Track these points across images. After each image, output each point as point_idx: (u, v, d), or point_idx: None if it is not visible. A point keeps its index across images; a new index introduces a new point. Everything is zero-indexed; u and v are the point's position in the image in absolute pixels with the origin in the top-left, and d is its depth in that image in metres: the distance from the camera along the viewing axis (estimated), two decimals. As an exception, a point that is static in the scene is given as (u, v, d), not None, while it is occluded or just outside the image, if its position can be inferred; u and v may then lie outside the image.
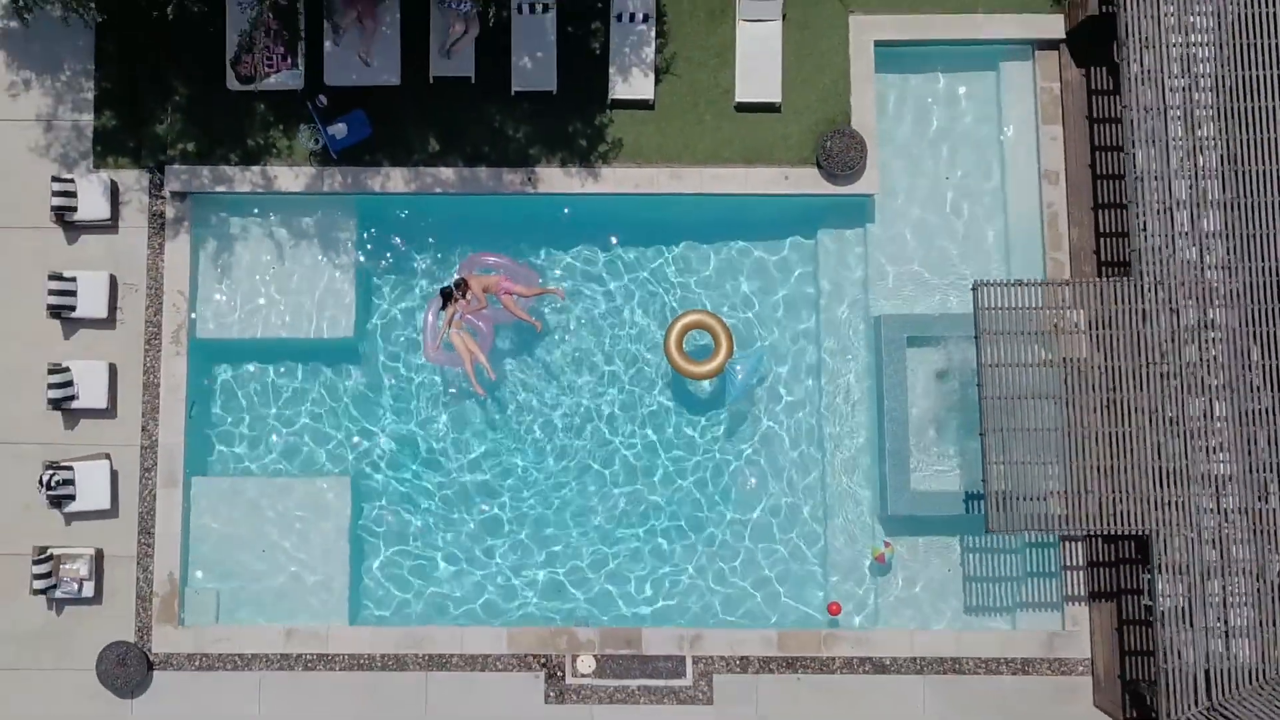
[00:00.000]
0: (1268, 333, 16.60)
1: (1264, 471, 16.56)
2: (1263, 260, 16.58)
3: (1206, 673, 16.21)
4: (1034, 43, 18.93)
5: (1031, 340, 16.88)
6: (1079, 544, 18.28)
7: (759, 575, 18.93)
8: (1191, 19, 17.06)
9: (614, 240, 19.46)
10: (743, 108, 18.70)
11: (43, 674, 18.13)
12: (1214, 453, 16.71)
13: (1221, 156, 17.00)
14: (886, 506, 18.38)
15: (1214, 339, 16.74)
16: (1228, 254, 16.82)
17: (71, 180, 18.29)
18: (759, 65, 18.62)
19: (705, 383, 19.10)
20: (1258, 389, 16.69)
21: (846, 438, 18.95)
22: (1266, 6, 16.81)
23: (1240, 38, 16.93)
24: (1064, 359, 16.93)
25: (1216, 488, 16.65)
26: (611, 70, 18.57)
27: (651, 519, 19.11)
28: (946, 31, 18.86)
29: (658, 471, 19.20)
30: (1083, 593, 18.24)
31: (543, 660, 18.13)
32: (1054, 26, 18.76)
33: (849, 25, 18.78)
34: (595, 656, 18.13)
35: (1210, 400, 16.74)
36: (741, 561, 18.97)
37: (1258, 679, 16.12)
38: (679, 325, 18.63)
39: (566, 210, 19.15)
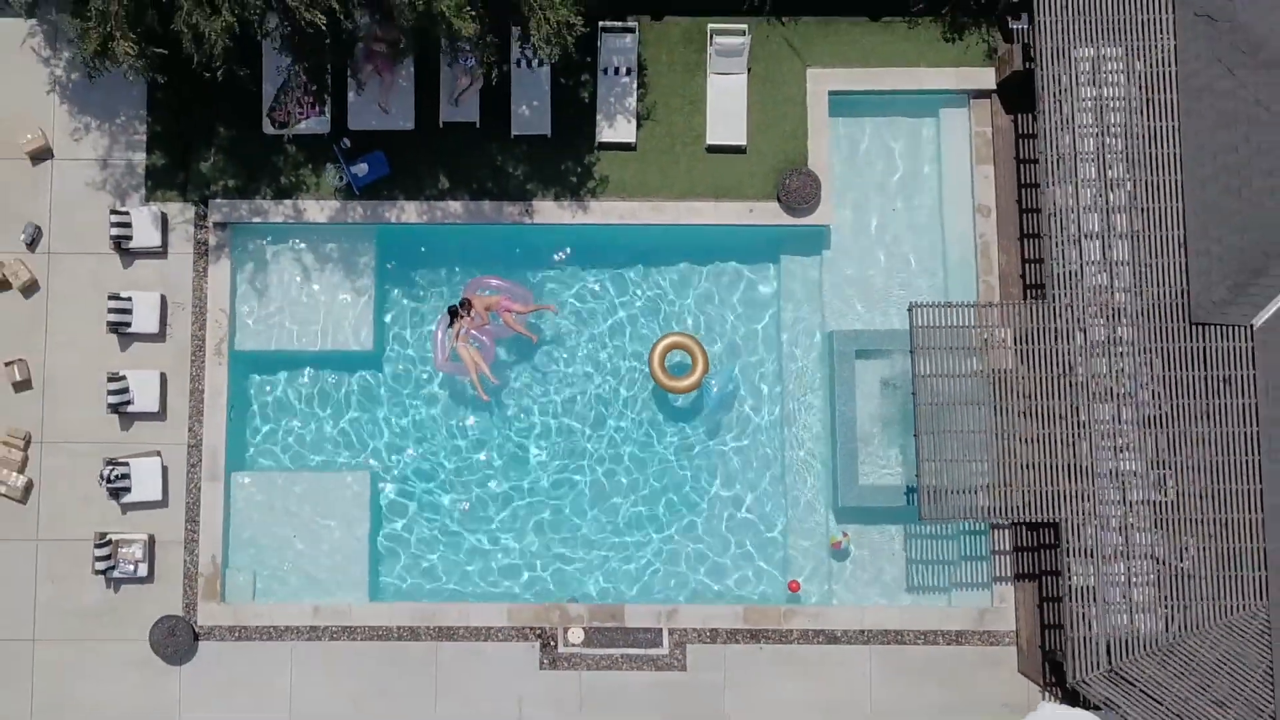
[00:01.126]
0: (1167, 348, 19.05)
1: (1163, 469, 19.02)
2: (1159, 286, 19.06)
3: (1108, 642, 18.72)
4: (969, 93, 21.37)
5: (960, 353, 19.33)
6: (1006, 531, 20.75)
7: (729, 558, 21.41)
8: (1103, 75, 19.53)
9: (600, 264, 21.89)
10: (713, 149, 21.12)
11: (101, 644, 20.50)
12: (1120, 452, 19.18)
13: (1129, 194, 19.48)
14: (838, 498, 20.90)
15: (1122, 353, 19.20)
16: (1134, 280, 19.30)
17: (127, 213, 20.68)
18: (727, 113, 21.05)
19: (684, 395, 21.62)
20: (1159, 396, 19.17)
21: (804, 437, 21.45)
22: (1166, 66, 19.29)
23: (1145, 92, 19.38)
24: (991, 370, 19.41)
25: (1122, 482, 19.13)
26: (599, 117, 21.01)
27: (633, 509, 21.53)
28: (892, 83, 21.32)
29: (641, 468, 21.64)
30: (1009, 574, 20.71)
31: (538, 632, 20.57)
32: (986, 79, 21.24)
33: (806, 78, 21.23)
34: (584, 629, 20.55)
35: (1118, 406, 19.22)
36: (713, 546, 21.43)
37: (1153, 646, 18.63)
38: (660, 346, 21.05)
39: (568, 250, 21.74)
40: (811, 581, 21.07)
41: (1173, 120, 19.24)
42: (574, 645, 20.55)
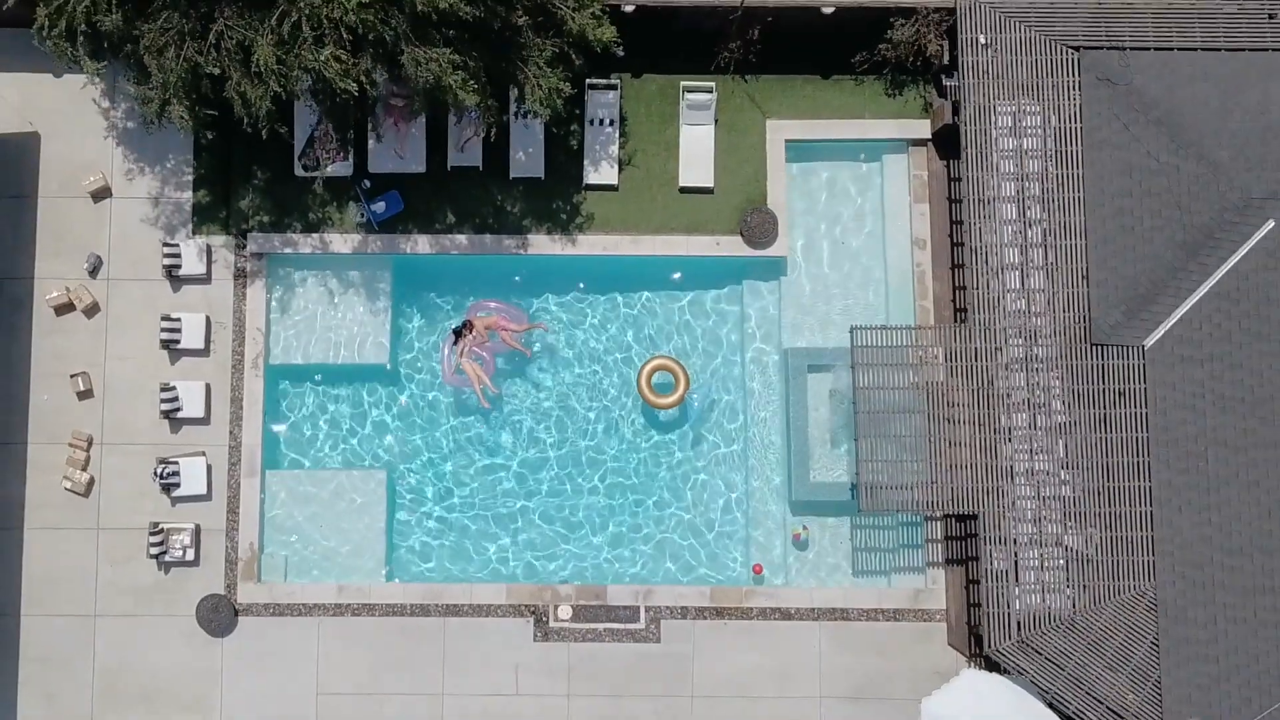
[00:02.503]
0: (1072, 365, 22.03)
1: (1070, 468, 22.05)
2: (1065, 311, 22.06)
3: (1019, 618, 21.76)
4: (908, 141, 24.37)
5: (895, 369, 22.30)
6: (938, 522, 23.75)
7: (698, 545, 24.44)
8: (1021, 128, 22.51)
9: (587, 290, 24.93)
10: (685, 190, 24.12)
11: (154, 619, 23.43)
12: (1034, 454, 22.17)
13: (1043, 231, 22.52)
14: (792, 493, 23.95)
15: (1035, 369, 22.20)
16: (1045, 305, 22.32)
17: (177, 244, 23.67)
18: (697, 158, 24.04)
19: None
20: (1067, 406, 22.21)
21: (763, 440, 24.49)
22: (1073, 122, 22.29)
23: (1055, 144, 22.36)
24: (924, 382, 22.42)
25: (1035, 480, 22.16)
26: (586, 162, 24.00)
27: (617, 502, 24.54)
28: (841, 132, 24.34)
29: (624, 466, 24.65)
30: (940, 559, 23.70)
31: (532, 609, 23.52)
32: (922, 129, 24.25)
33: (766, 128, 24.23)
34: (572, 606, 23.50)
35: (1032, 414, 22.24)
36: (685, 535, 24.45)
37: (1057, 620, 21.66)
38: (647, 368, 24.01)
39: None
40: (769, 565, 24.11)
41: (1078, 169, 22.24)
42: (563, 621, 23.49)
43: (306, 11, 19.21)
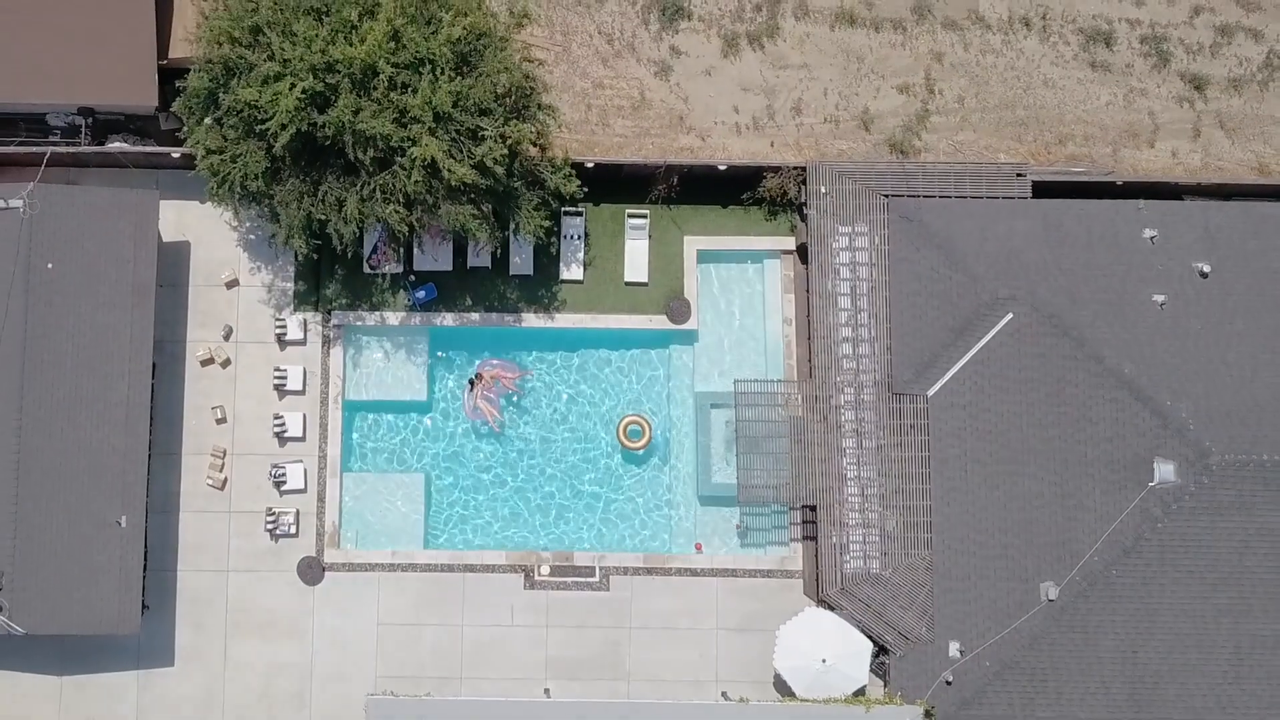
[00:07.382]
0: (883, 407, 31.92)
1: (881, 475, 32.04)
2: (878, 371, 31.95)
3: (842, 574, 31.75)
4: (780, 251, 34.06)
5: (765, 409, 32.30)
6: (798, 511, 33.41)
7: (636, 524, 34.23)
8: (854, 245, 32.56)
9: (561, 350, 34.58)
10: (628, 284, 33.82)
11: (268, 573, 32.88)
12: (860, 465, 32.17)
13: (866, 316, 32.52)
14: (699, 491, 33.79)
15: (859, 409, 32.15)
16: (867, 367, 32.31)
17: (284, 319, 33.56)
18: (637, 262, 33.76)
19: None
20: (881, 433, 32.26)
21: (682, 456, 34.31)
22: (883, 244, 32.25)
23: (873, 257, 32.36)
24: (789, 416, 32.42)
25: (860, 483, 32.17)
26: (561, 264, 33.71)
27: (584, 496, 34.29)
28: (735, 245, 34.11)
29: (590, 474, 34.33)
30: (800, 536, 33.40)
31: (523, 567, 33.07)
32: (789, 243, 33.99)
33: (683, 241, 34.00)
34: (550, 566, 33.20)
35: (859, 439, 32.20)
36: (628, 518, 34.19)
37: (869, 576, 31.66)
38: (623, 422, 33.65)
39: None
40: (680, 537, 33.89)
41: (886, 275, 32.10)
42: (544, 576, 33.08)
43: (381, 183, 29.42)
